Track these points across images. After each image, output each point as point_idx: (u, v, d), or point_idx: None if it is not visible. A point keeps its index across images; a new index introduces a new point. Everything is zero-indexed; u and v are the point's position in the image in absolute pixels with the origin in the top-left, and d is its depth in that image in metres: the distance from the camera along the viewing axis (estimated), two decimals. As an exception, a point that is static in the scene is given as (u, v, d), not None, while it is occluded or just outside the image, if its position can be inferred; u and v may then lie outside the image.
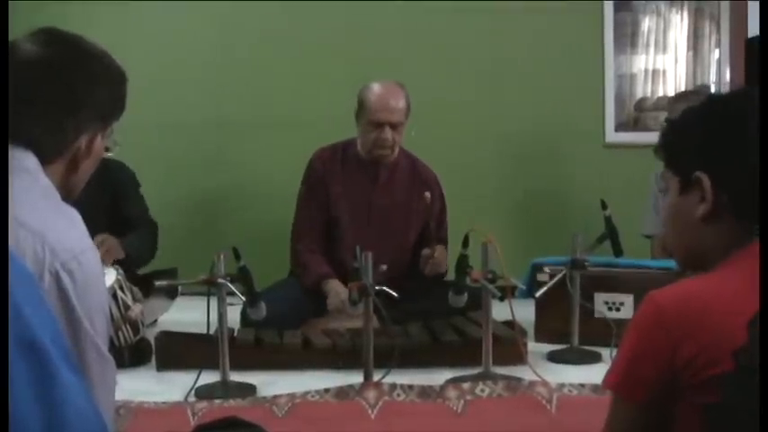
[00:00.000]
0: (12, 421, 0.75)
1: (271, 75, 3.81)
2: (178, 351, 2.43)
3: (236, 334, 2.53)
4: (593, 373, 2.25)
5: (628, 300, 2.65)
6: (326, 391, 2.14)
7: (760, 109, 1.06)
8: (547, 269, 2.70)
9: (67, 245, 1.12)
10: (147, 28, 3.79)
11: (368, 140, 2.96)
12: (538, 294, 2.63)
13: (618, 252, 2.74)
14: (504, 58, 3.85)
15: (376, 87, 2.96)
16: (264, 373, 2.37)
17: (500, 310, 2.38)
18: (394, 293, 2.26)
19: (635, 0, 3.94)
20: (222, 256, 2.24)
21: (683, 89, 3.90)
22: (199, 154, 3.83)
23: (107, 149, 1.34)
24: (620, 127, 3.97)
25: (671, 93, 3.91)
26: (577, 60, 3.88)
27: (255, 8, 3.76)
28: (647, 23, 3.97)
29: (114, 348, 1.55)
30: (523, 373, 2.30)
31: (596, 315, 2.63)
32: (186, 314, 2.72)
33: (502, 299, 2.22)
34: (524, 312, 2.61)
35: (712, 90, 3.87)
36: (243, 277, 2.26)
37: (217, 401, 2.11)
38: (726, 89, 3.87)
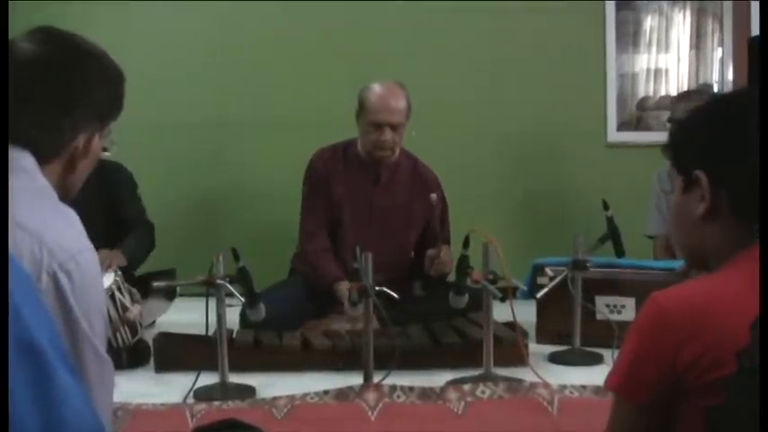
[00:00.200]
0: (10, 423, 0.75)
1: (271, 75, 3.80)
2: (177, 352, 2.42)
3: (235, 335, 2.53)
4: (595, 375, 2.25)
5: (629, 302, 2.64)
6: (326, 392, 2.14)
7: (760, 109, 1.06)
8: (548, 270, 2.69)
9: (65, 245, 1.12)
10: (147, 28, 3.79)
11: (368, 141, 2.95)
12: (539, 295, 2.62)
13: (620, 253, 2.73)
14: (505, 58, 3.85)
15: (376, 88, 2.95)
16: (264, 374, 2.36)
17: (501, 311, 2.37)
18: (394, 294, 2.25)
19: (637, -1, 3.95)
20: (221, 257, 2.24)
21: (685, 88, 3.90)
22: (198, 154, 3.83)
23: (105, 149, 1.34)
24: (622, 126, 3.96)
25: (673, 92, 3.91)
26: (579, 60, 3.87)
27: (255, 8, 3.76)
28: (649, 22, 3.97)
29: (112, 350, 1.54)
30: (524, 374, 2.29)
31: (598, 316, 2.62)
32: (185, 315, 2.71)
33: (503, 300, 2.22)
34: (525, 313, 2.60)
35: (715, 89, 3.86)
36: (242, 278, 2.26)
37: (216, 403, 2.10)
38: (729, 88, 3.87)
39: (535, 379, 2.22)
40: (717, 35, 3.96)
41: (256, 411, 2.01)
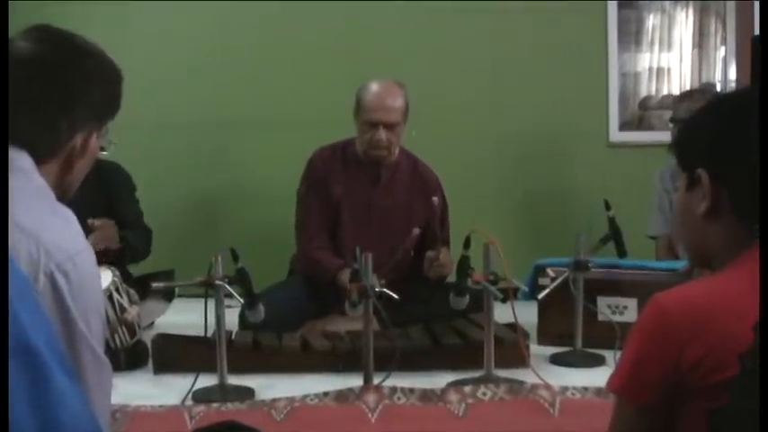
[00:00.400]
0: (8, 425, 0.75)
1: (271, 75, 3.80)
2: (175, 354, 2.42)
3: (234, 336, 2.53)
4: (597, 376, 2.24)
5: (631, 303, 2.63)
6: (326, 394, 2.14)
7: (760, 109, 1.06)
8: (550, 271, 2.69)
9: (62, 245, 1.11)
10: (147, 28, 3.79)
11: (363, 140, 2.94)
12: (540, 296, 2.61)
13: (622, 253, 2.73)
14: (505, 58, 3.84)
15: (373, 86, 2.94)
16: (263, 376, 2.36)
17: (502, 312, 2.37)
18: (394, 295, 2.24)
19: (639, -2, 3.94)
20: (220, 258, 2.23)
21: (688, 87, 3.89)
22: (198, 154, 3.83)
23: (102, 149, 1.33)
24: (624, 126, 3.95)
25: (676, 91, 3.90)
26: (581, 59, 3.87)
27: (255, 8, 3.75)
28: (651, 21, 3.96)
29: (110, 351, 1.53)
30: (526, 376, 2.29)
31: (600, 318, 2.61)
32: (183, 316, 2.71)
33: (504, 301, 2.21)
34: (527, 314, 2.60)
35: (718, 88, 3.85)
36: (241, 279, 2.25)
37: (214, 405, 2.10)
38: (731, 88, 3.87)
39: (536, 380, 2.21)
40: (720, 34, 3.95)
41: (255, 413, 2.01)
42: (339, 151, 3.05)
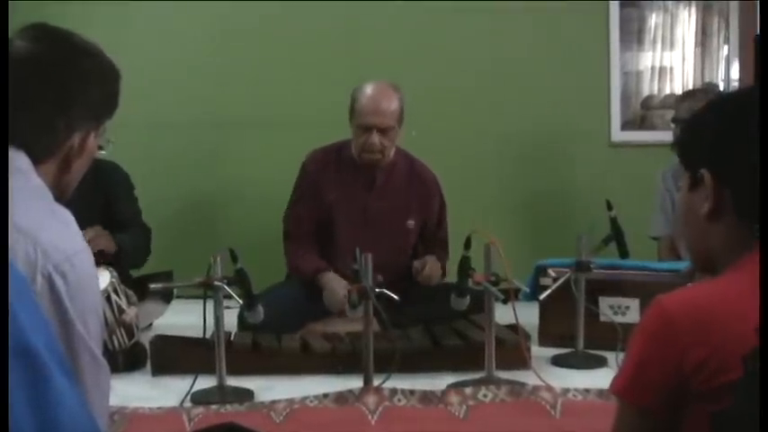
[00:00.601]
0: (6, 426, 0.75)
1: (270, 75, 3.80)
2: (174, 355, 2.41)
3: (233, 338, 2.54)
4: (599, 378, 2.25)
5: (633, 304, 2.62)
6: (325, 396, 2.14)
7: (760, 109, 1.06)
8: (551, 271, 2.68)
9: (60, 246, 1.11)
10: (147, 27, 3.79)
11: (357, 144, 2.92)
12: (542, 297, 2.60)
13: (624, 254, 2.72)
14: (506, 58, 3.84)
15: (367, 89, 2.90)
16: (262, 377, 2.35)
17: (503, 314, 2.37)
18: (394, 296, 2.24)
19: (641, -3, 3.94)
20: (219, 258, 2.23)
21: (690, 87, 3.88)
22: (197, 154, 3.83)
23: (100, 148, 1.33)
24: (626, 126, 3.95)
25: (678, 90, 3.89)
26: (582, 58, 3.86)
27: (255, 8, 3.75)
28: (653, 20, 3.95)
29: (108, 353, 1.52)
30: (527, 377, 2.28)
31: (602, 319, 2.60)
32: (182, 318, 2.70)
33: (505, 302, 2.21)
34: (528, 315, 2.59)
35: (720, 88, 3.84)
36: (240, 280, 2.25)
37: (213, 407, 2.09)
38: (734, 87, 3.86)
39: (538, 382, 2.21)
40: (722, 33, 3.95)
41: (255, 415, 2.01)
42: (333, 154, 3.03)
